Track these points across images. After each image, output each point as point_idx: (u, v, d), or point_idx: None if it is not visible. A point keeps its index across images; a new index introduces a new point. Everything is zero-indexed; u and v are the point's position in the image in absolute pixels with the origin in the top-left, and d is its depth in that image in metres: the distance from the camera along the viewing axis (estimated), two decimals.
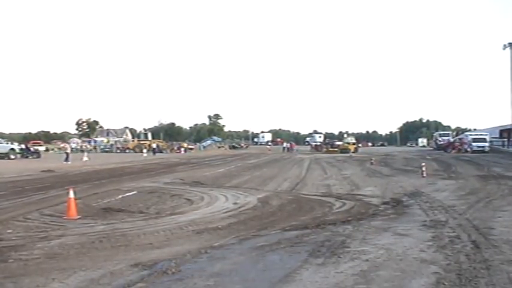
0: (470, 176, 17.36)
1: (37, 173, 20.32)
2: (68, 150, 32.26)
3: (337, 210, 9.52)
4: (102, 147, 61.55)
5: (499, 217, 8.15)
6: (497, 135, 46.75)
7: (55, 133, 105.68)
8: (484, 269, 4.76)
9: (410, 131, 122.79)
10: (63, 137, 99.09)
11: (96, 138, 77.77)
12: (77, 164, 27.03)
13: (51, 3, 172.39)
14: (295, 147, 65.39)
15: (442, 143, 51.58)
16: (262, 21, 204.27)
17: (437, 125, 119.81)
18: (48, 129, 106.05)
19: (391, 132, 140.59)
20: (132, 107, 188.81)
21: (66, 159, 29.64)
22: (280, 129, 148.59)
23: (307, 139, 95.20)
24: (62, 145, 40.69)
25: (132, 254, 5.92)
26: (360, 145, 61.41)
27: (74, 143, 71.00)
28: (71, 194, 8.81)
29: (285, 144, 64.27)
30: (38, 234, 7.17)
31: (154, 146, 46.32)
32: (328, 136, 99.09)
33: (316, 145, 64.10)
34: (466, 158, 30.50)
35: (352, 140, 53.35)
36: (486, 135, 42.84)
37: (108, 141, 70.54)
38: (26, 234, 7.14)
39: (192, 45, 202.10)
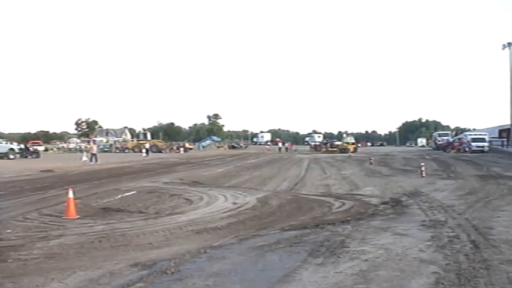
0: (469, 175, 17.37)
1: (36, 172, 20.29)
2: (94, 151, 31.96)
3: (336, 210, 9.52)
4: (101, 147, 61.38)
5: (498, 217, 8.16)
6: (497, 135, 46.79)
7: (54, 133, 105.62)
8: (483, 269, 4.76)
9: (410, 131, 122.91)
10: (63, 136, 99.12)
11: (95, 138, 77.66)
12: (76, 164, 27.01)
13: (51, 3, 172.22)
14: (294, 147, 65.46)
15: (441, 142, 51.65)
16: (262, 21, 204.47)
17: (436, 125, 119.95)
18: (47, 129, 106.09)
19: (390, 132, 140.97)
20: (132, 107, 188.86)
21: (92, 159, 29.62)
22: (279, 129, 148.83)
23: (307, 139, 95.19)
24: (89, 146, 40.83)
25: (132, 253, 5.92)
26: (359, 145, 61.42)
27: (73, 142, 71.09)
28: (70, 194, 8.80)
29: (280, 145, 64.18)
30: (37, 234, 7.16)
31: (147, 146, 45.89)
32: (328, 136, 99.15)
33: (315, 145, 64.08)
34: (465, 157, 30.52)
35: (351, 139, 53.33)
36: (485, 135, 42.86)
37: (107, 141, 70.43)
38: (25, 234, 7.13)
39: (191, 45, 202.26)
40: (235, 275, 4.84)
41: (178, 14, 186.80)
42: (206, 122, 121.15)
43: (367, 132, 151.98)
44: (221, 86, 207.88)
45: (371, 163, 25.99)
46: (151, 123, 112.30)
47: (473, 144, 39.97)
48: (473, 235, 6.48)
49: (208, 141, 76.44)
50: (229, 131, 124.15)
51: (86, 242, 6.58)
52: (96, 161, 29.33)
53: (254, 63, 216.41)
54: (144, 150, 41.92)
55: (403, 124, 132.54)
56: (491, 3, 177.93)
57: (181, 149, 57.31)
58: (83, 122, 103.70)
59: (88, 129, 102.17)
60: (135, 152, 49.44)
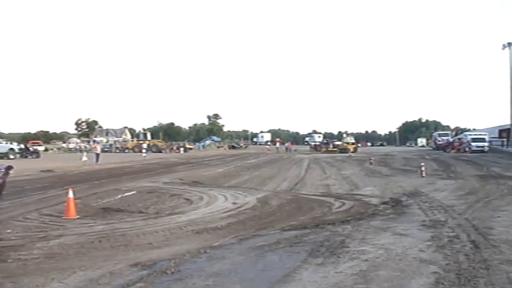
0: (469, 175, 17.37)
1: (36, 172, 20.27)
2: (98, 151, 32.04)
3: (336, 210, 9.52)
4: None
5: (498, 217, 8.16)
6: (497, 135, 46.78)
7: (54, 133, 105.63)
8: (483, 269, 4.76)
9: (410, 131, 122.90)
10: (63, 136, 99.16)
11: (95, 138, 77.69)
12: (76, 164, 26.99)
13: (51, 3, 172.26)
14: (294, 147, 65.57)
15: (441, 142, 51.60)
16: (262, 21, 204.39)
17: (436, 125, 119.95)
18: (47, 129, 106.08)
19: (390, 132, 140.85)
20: (132, 107, 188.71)
21: (97, 160, 29.65)
22: (279, 129, 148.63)
23: (307, 139, 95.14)
24: (93, 146, 41.43)
25: (132, 253, 5.92)
26: (359, 145, 61.43)
27: (73, 142, 71.07)
28: (70, 194, 8.82)
29: (278, 144, 64.19)
30: (37, 234, 7.17)
31: (144, 146, 45.65)
32: (328, 136, 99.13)
33: (315, 145, 64.03)
34: (465, 157, 30.51)
35: (351, 139, 53.31)
36: (485, 135, 42.83)
37: (107, 141, 70.45)
38: (25, 234, 7.14)
39: (191, 45, 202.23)
40: (235, 275, 4.84)
41: (178, 14, 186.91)
42: (206, 122, 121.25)
43: (367, 132, 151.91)
44: (221, 86, 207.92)
45: (371, 163, 25.98)
46: (151, 123, 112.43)
47: (473, 144, 39.93)
48: (473, 235, 6.48)
49: (208, 141, 76.48)
50: (229, 131, 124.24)
51: (86, 242, 6.59)
52: (98, 161, 29.37)
53: (254, 63, 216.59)
54: (144, 150, 41.88)
55: (403, 124, 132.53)
56: (491, 3, 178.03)
57: (181, 149, 57.29)
58: (83, 122, 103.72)
59: (88, 129, 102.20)
60: (135, 152, 49.41)
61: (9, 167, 11.14)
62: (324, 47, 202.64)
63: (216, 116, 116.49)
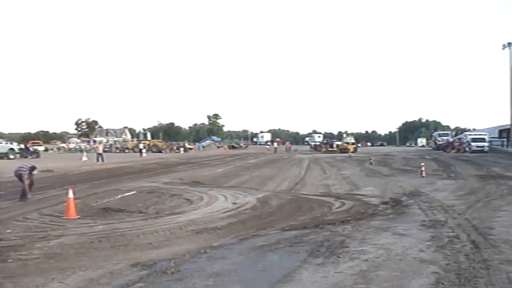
0: (469, 175, 17.37)
1: (36, 172, 20.24)
2: (100, 151, 32.12)
3: (336, 210, 9.53)
4: None
5: (498, 217, 8.16)
6: (497, 135, 46.79)
7: (54, 133, 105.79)
8: (483, 269, 4.76)
9: (410, 131, 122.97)
10: (63, 137, 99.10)
11: (95, 138, 77.64)
12: (76, 164, 27.00)
13: (51, 4, 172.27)
14: (293, 147, 65.64)
15: (441, 142, 51.58)
16: (262, 21, 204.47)
17: (436, 125, 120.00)
18: (47, 129, 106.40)
19: (390, 132, 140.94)
20: (132, 107, 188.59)
21: (98, 159, 29.73)
22: (279, 129, 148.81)
23: (307, 139, 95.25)
24: (94, 146, 41.83)
25: (132, 253, 5.93)
26: (359, 145, 61.43)
27: (73, 142, 71.06)
28: (70, 194, 8.82)
29: (276, 144, 64.25)
30: (37, 234, 7.18)
31: (141, 146, 45.59)
32: (328, 136, 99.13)
33: (315, 145, 63.98)
34: (465, 158, 30.49)
35: (351, 139, 53.22)
36: (485, 135, 42.79)
37: (107, 141, 70.39)
38: (25, 234, 7.15)
39: (191, 45, 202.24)
40: (235, 275, 4.84)
41: (178, 14, 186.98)
42: (206, 122, 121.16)
43: (367, 132, 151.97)
44: (221, 86, 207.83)
45: (371, 163, 25.97)
46: (151, 123, 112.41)
47: (473, 144, 39.89)
48: (473, 235, 6.49)
49: (208, 141, 76.41)
50: (229, 131, 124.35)
51: (86, 242, 6.59)
52: (103, 160, 29.41)
53: (254, 63, 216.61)
54: (144, 150, 41.84)
55: (403, 124, 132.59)
56: (491, 3, 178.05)
57: (181, 149, 57.25)
58: (83, 122, 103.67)
59: (88, 129, 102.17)
60: (135, 152, 49.34)
61: (33, 167, 11.32)
62: (324, 47, 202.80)
63: (216, 116, 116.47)
